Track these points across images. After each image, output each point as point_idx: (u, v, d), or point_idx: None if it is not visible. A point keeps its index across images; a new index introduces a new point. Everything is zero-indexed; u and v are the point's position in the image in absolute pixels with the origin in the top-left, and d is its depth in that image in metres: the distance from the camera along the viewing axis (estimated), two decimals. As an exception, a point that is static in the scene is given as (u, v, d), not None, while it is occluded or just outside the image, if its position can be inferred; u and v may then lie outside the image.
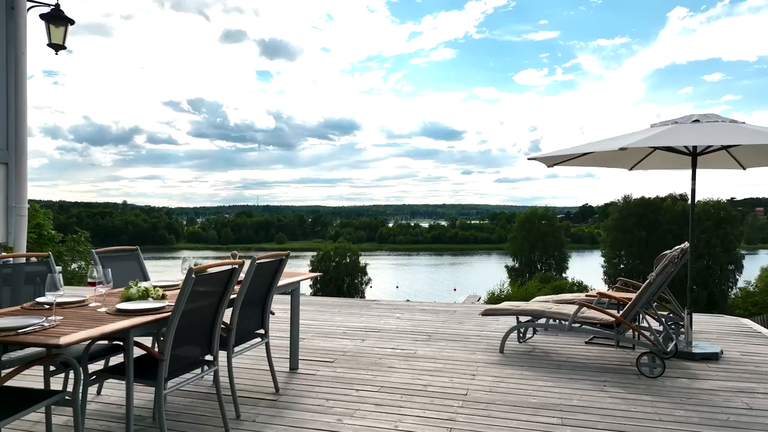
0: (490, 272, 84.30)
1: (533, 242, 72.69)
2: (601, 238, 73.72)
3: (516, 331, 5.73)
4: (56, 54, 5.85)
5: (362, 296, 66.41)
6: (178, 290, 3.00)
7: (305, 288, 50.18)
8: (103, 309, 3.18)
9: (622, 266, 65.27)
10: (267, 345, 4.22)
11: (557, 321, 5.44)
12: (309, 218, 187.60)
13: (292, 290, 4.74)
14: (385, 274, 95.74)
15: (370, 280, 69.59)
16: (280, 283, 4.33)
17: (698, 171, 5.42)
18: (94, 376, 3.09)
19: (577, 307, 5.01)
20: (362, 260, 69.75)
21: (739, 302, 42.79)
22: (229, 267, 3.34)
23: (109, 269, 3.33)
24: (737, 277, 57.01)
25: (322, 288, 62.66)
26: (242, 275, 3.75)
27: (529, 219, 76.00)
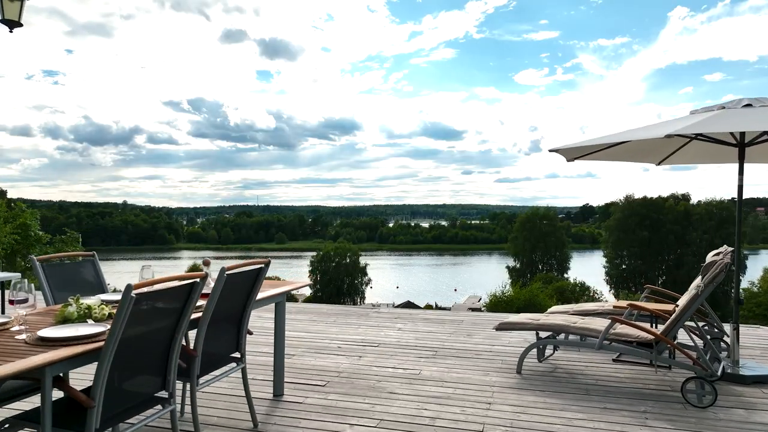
0: (491, 273, 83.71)
1: (534, 242, 71.91)
2: (603, 238, 72.91)
3: (535, 348, 5.01)
4: (11, 32, 5.12)
5: (362, 297, 65.71)
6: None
7: (304, 288, 49.35)
8: (24, 336, 2.48)
9: (624, 266, 64.55)
10: (243, 371, 3.51)
11: (583, 338, 4.75)
12: (309, 218, 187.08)
13: (277, 301, 4.04)
14: (386, 274, 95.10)
15: (370, 280, 68.87)
16: (261, 296, 3.64)
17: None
18: (6, 425, 2.39)
19: (610, 322, 4.30)
20: (362, 260, 69.03)
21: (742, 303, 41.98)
22: (188, 281, 2.64)
23: (32, 285, 2.62)
24: (740, 277, 56.18)
25: (322, 288, 61.98)
26: (213, 284, 3.05)
27: (530, 219, 75.21)
